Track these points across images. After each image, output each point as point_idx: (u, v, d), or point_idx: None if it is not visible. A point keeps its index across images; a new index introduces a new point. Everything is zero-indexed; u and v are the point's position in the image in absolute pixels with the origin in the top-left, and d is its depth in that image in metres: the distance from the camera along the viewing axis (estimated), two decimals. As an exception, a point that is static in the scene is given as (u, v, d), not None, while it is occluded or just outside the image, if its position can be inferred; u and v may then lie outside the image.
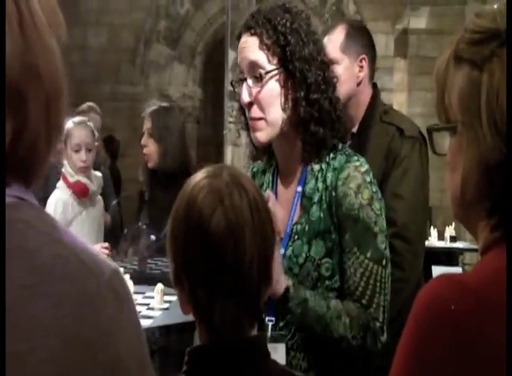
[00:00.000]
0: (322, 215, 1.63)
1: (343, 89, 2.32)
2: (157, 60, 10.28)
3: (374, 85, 2.49)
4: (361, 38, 2.42)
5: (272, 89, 1.65)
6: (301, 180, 1.70)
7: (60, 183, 3.53)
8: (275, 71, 1.64)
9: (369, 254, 1.60)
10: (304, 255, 1.63)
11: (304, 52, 1.63)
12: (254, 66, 1.65)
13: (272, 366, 1.23)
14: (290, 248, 1.65)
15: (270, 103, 1.65)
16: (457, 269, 5.42)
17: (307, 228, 1.64)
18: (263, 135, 1.67)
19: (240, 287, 1.15)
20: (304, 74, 1.63)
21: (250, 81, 1.66)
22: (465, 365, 0.82)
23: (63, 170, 3.52)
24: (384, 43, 9.38)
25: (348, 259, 1.61)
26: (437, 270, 4.56)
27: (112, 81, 10.12)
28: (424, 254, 2.32)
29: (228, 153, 6.71)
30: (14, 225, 0.70)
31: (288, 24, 1.64)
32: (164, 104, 4.03)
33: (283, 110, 1.65)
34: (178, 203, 1.21)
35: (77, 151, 3.54)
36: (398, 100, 8.50)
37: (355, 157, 1.67)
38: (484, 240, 0.91)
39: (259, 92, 1.65)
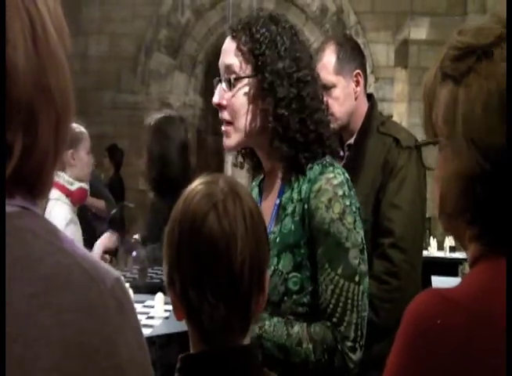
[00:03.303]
0: (293, 227, 1.60)
1: (344, 109, 2.34)
2: (158, 69, 10.30)
3: (371, 96, 2.48)
4: (351, 54, 2.40)
5: (242, 97, 1.64)
6: (280, 192, 1.67)
7: (58, 195, 3.38)
8: (246, 79, 1.63)
9: (339, 271, 1.55)
10: (272, 268, 1.58)
11: (277, 65, 1.60)
12: (228, 69, 1.65)
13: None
14: None
15: (239, 110, 1.64)
16: (457, 280, 5.41)
17: (278, 239, 1.61)
18: (230, 141, 1.67)
19: (230, 289, 1.17)
20: (274, 87, 1.60)
21: (224, 84, 1.66)
22: None
23: (59, 180, 3.37)
24: (384, 53, 9.40)
25: (321, 275, 1.57)
26: (436, 280, 4.56)
27: (113, 89, 10.14)
28: (423, 264, 2.32)
29: (229, 161, 6.72)
30: (20, 234, 0.70)
31: (267, 35, 1.62)
32: (167, 113, 4.04)
33: (252, 119, 1.64)
34: (175, 206, 1.25)
35: (88, 154, 3.54)
36: (398, 111, 8.51)
37: (331, 168, 1.61)
38: (472, 253, 0.92)
39: (230, 97, 1.65)
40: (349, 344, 1.55)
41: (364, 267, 1.59)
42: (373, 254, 2.17)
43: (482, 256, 0.90)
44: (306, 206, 1.58)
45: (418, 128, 7.03)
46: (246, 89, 1.64)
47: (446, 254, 6.45)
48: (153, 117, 3.82)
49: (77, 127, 3.49)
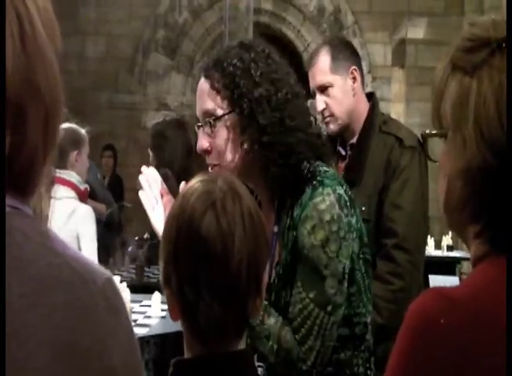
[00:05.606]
0: (289, 258, 1.56)
1: (344, 108, 2.35)
2: (156, 69, 10.28)
3: (372, 95, 2.49)
4: (345, 52, 2.41)
5: (224, 136, 1.60)
6: (277, 219, 1.62)
7: (72, 193, 3.39)
8: (225, 117, 1.59)
9: (312, 295, 1.51)
10: (282, 301, 1.56)
11: (255, 93, 1.55)
12: (206, 113, 1.62)
13: None
14: (273, 293, 1.58)
15: (223, 150, 1.60)
16: (454, 279, 5.42)
17: (281, 271, 1.58)
18: None
19: (227, 288, 1.16)
20: (255, 115, 1.55)
21: (205, 128, 1.62)
22: None
23: (71, 180, 3.39)
24: (382, 53, 9.40)
25: (293, 290, 1.54)
26: (434, 279, 4.56)
27: (110, 90, 10.13)
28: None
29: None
30: (11, 235, 0.70)
31: (240, 64, 1.57)
32: (171, 117, 4.07)
33: (239, 155, 1.59)
34: (173, 203, 1.26)
35: (88, 157, 3.55)
36: (395, 110, 8.51)
37: (320, 189, 1.54)
38: (475, 252, 0.92)
39: (213, 140, 1.61)
40: (305, 367, 1.52)
41: (340, 299, 1.53)
42: (376, 255, 2.17)
43: (485, 255, 0.89)
44: (295, 233, 1.55)
45: (416, 127, 7.04)
46: (228, 126, 1.59)
47: (444, 253, 6.46)
48: (157, 121, 3.83)
49: (79, 129, 3.49)
